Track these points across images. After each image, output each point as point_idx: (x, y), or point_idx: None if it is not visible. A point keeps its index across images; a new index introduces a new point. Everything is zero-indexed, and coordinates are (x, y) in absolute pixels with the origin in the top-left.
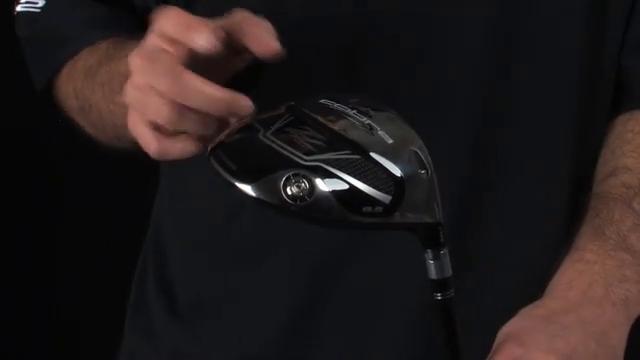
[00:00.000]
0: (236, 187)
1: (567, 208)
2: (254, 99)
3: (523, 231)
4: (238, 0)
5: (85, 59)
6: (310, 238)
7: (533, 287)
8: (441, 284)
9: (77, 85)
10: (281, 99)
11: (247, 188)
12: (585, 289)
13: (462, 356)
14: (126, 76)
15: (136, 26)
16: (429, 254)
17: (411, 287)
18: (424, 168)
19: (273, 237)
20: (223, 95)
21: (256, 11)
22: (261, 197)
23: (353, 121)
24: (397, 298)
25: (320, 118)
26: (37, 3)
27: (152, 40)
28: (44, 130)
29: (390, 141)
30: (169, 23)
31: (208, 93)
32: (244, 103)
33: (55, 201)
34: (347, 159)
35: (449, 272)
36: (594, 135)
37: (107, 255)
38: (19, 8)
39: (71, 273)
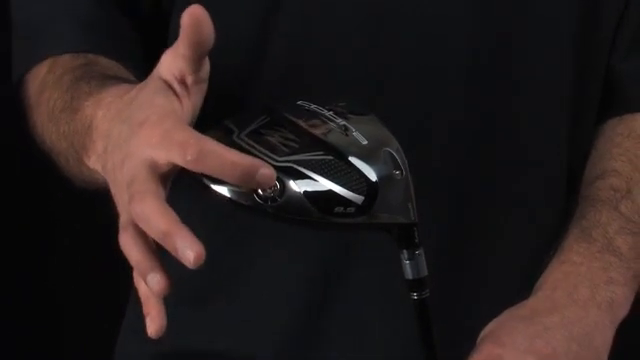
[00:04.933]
0: (210, 189)
1: (562, 210)
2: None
3: (520, 232)
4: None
5: (52, 88)
6: (311, 237)
7: (529, 289)
8: (417, 284)
9: (43, 120)
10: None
11: (221, 190)
12: (570, 290)
13: (438, 355)
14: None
15: (131, 43)
16: (404, 255)
17: None
18: (399, 169)
19: (272, 236)
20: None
21: (252, 12)
22: (234, 198)
23: (328, 122)
24: (401, 297)
25: (295, 119)
26: None
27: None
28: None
29: (364, 142)
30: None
31: None
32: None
33: (52, 198)
34: (319, 160)
35: (424, 272)
36: (585, 138)
37: (105, 254)
38: None
39: (68, 273)
